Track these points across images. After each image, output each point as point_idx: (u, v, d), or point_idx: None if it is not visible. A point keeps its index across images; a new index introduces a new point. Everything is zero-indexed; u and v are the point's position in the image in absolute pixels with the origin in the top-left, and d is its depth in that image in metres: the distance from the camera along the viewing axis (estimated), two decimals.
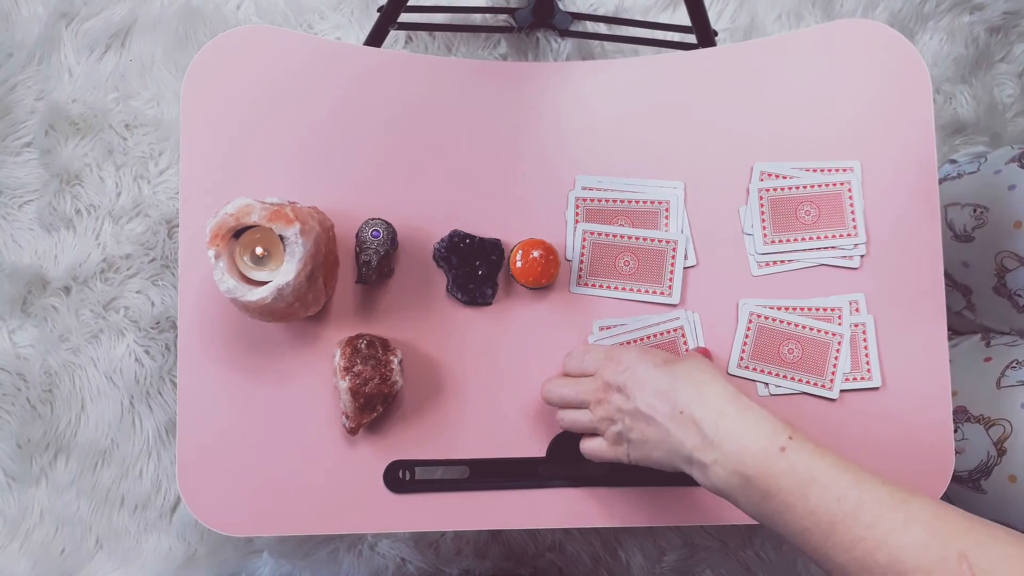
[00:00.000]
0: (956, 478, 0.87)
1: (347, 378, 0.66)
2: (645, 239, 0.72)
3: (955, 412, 0.89)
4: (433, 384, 0.72)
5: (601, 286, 0.72)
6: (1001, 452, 0.81)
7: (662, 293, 0.72)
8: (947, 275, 0.93)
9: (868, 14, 1.23)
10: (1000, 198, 0.89)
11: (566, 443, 0.71)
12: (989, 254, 0.88)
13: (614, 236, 0.72)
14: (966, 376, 0.90)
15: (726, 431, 0.53)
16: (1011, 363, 0.87)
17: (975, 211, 0.91)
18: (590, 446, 0.64)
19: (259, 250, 0.64)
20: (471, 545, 1.15)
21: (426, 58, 0.74)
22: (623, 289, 0.72)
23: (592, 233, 0.72)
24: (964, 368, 0.91)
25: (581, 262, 0.72)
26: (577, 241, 0.72)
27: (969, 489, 0.87)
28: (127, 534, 1.15)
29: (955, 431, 0.88)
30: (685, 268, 0.72)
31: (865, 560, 0.47)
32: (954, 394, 0.90)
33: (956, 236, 0.92)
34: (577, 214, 0.73)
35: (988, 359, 0.91)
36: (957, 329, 1.01)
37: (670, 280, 0.72)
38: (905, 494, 0.49)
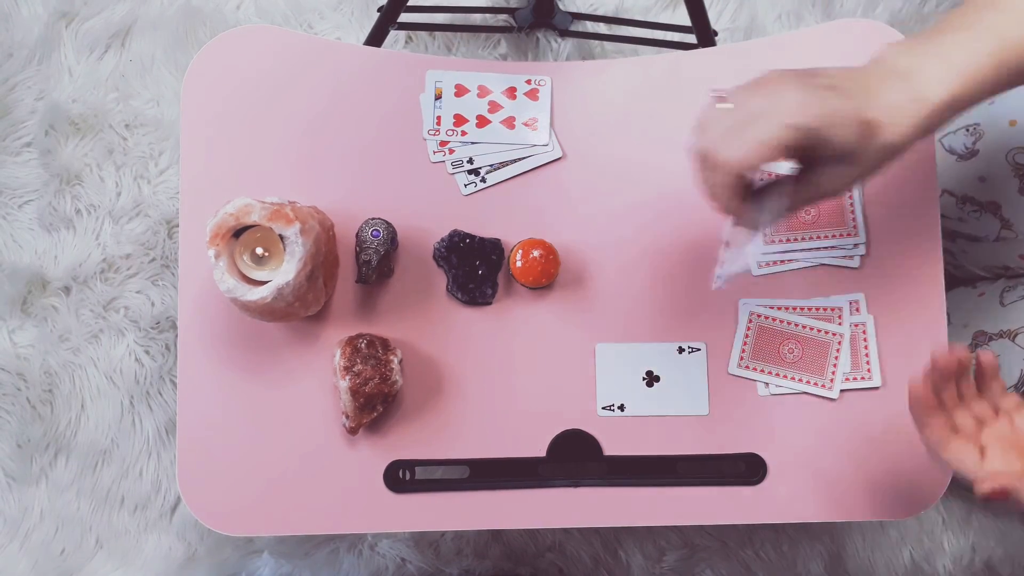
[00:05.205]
0: None
1: (347, 378, 0.66)
2: None
3: (975, 336, 0.90)
4: (433, 384, 0.72)
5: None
6: None
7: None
8: (970, 199, 0.93)
9: (868, 14, 1.23)
10: (986, 111, 0.91)
11: (566, 443, 0.71)
12: (999, 158, 0.89)
13: None
14: (968, 313, 0.92)
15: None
16: (1004, 289, 0.91)
17: (968, 129, 0.92)
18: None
19: (259, 250, 0.64)
20: (471, 545, 1.15)
21: (426, 58, 0.74)
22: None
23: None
24: (964, 310, 0.93)
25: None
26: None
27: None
28: (127, 534, 1.15)
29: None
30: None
31: None
32: (965, 326, 0.91)
33: (961, 157, 0.94)
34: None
35: (981, 294, 0.94)
36: (983, 270, 1.00)
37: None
38: None
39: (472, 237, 0.71)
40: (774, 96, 0.49)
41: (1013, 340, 0.84)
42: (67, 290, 1.16)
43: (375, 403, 0.67)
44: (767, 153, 0.48)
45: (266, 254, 0.64)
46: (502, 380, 0.72)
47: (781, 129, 0.48)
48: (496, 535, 1.15)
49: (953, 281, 1.02)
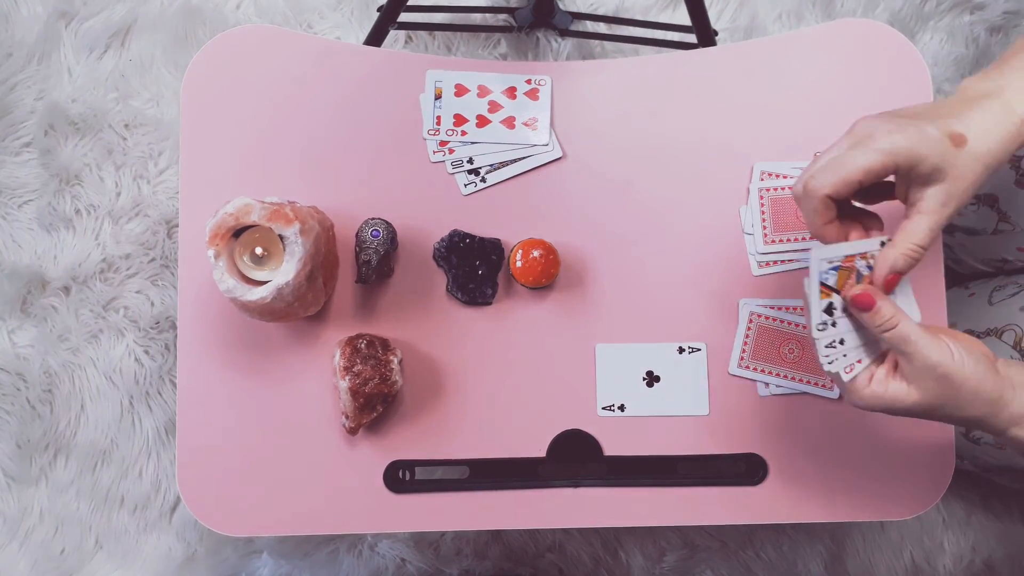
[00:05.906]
0: None
1: (347, 378, 0.66)
2: None
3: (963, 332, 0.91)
4: (433, 384, 0.72)
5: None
6: (1023, 353, 0.84)
7: None
8: None
9: (868, 14, 1.23)
10: None
11: (566, 443, 0.71)
12: None
13: None
14: (956, 311, 0.92)
15: None
16: (994, 288, 0.91)
17: None
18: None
19: (259, 250, 0.64)
20: (471, 545, 1.15)
21: (426, 57, 0.74)
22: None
23: None
24: (955, 309, 0.93)
25: None
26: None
27: None
28: (127, 534, 1.15)
29: None
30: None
31: None
32: (952, 325, 0.91)
33: None
34: None
35: (972, 294, 0.94)
36: (982, 263, 0.99)
37: None
38: None
39: (472, 237, 0.71)
40: (862, 131, 0.53)
41: (999, 337, 0.85)
42: (67, 290, 1.16)
43: (375, 403, 0.67)
44: (859, 176, 0.52)
45: (266, 254, 0.64)
46: (502, 380, 0.72)
47: (872, 153, 0.52)
48: (496, 535, 1.15)
49: (952, 276, 1.01)
